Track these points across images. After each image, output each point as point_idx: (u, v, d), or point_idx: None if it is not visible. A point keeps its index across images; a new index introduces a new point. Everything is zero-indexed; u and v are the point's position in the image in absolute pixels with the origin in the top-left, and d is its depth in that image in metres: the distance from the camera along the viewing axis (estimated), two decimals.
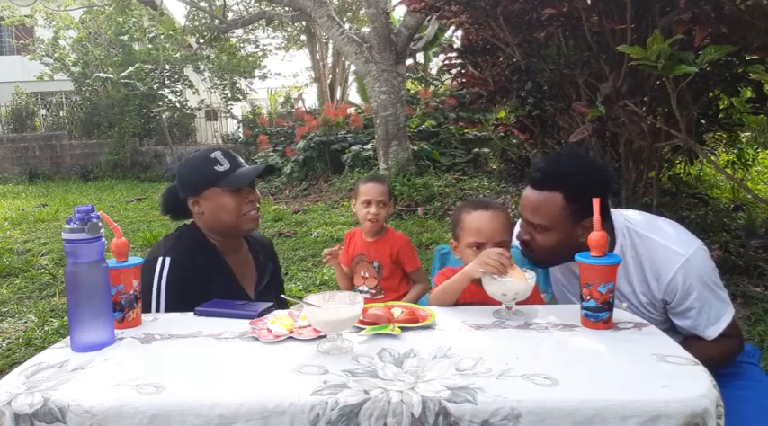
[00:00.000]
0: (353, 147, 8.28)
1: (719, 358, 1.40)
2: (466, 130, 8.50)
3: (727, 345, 1.47)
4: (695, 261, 1.43)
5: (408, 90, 9.40)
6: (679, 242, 1.46)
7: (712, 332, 1.44)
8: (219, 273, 1.63)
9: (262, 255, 1.82)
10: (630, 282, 1.50)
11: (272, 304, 1.38)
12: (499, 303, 1.31)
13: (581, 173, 1.45)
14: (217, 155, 1.66)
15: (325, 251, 2.01)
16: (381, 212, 2.00)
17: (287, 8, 9.32)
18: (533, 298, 1.45)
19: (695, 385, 0.93)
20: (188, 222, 1.72)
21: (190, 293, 1.45)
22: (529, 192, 1.49)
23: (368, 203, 2.01)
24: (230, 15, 14.11)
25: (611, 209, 1.54)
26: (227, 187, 1.62)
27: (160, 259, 1.56)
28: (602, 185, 1.46)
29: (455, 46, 5.04)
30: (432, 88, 10.29)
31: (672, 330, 1.52)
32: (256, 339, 1.17)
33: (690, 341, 1.47)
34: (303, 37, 19.36)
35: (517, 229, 1.62)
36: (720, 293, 1.46)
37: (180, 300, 1.45)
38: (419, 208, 6.11)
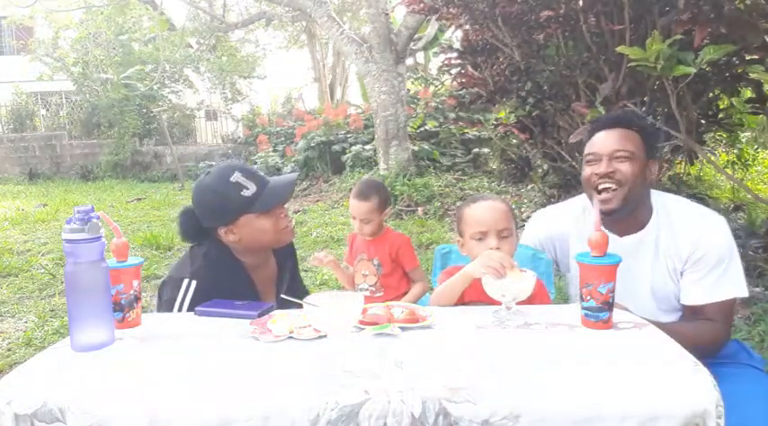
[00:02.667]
0: (354, 147, 8.28)
1: (694, 339, 1.37)
2: (466, 130, 8.50)
3: (709, 330, 1.49)
4: (727, 228, 1.53)
5: (408, 90, 9.40)
6: (712, 211, 1.59)
7: (709, 297, 1.49)
8: (243, 294, 1.56)
9: (282, 256, 1.77)
10: (661, 247, 1.55)
11: (272, 304, 1.38)
12: (500, 303, 1.31)
13: (645, 119, 1.65)
14: (238, 178, 1.55)
15: (318, 255, 2.02)
16: (365, 227, 2.02)
17: (287, 8, 9.33)
18: (540, 297, 1.46)
19: (695, 385, 0.93)
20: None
21: None
22: (607, 132, 1.57)
23: (353, 218, 2.03)
24: (231, 15, 14.11)
25: None
26: (260, 211, 1.56)
27: (186, 281, 1.51)
28: (662, 131, 1.64)
29: (455, 46, 5.04)
30: (432, 88, 10.29)
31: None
32: (256, 339, 1.17)
33: (672, 324, 1.49)
34: (303, 37, 19.38)
35: (569, 205, 1.71)
36: (739, 268, 1.51)
37: None
38: (419, 208, 6.11)
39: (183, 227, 1.64)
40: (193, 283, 1.51)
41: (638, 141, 1.54)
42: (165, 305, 1.51)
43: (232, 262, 1.60)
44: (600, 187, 1.54)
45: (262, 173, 1.64)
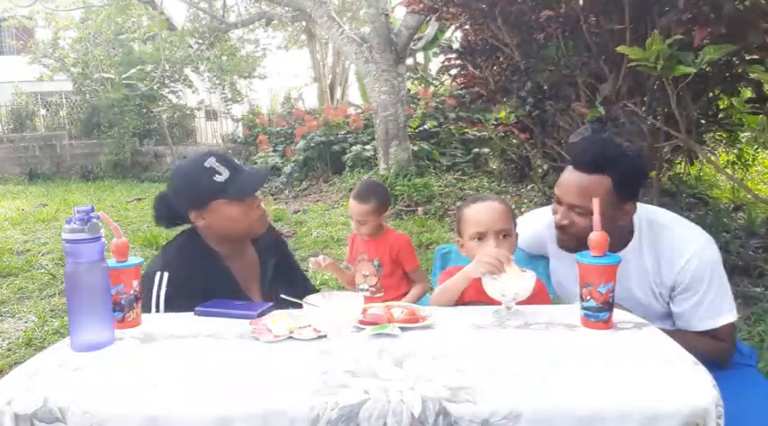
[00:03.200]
0: (354, 147, 8.28)
1: (701, 355, 1.39)
2: (466, 130, 8.50)
3: (714, 346, 1.47)
4: (710, 251, 1.47)
5: (408, 90, 9.39)
6: (695, 230, 1.52)
7: (704, 326, 1.45)
8: (221, 285, 1.56)
9: (262, 245, 1.75)
10: (645, 268, 1.51)
11: (271, 304, 1.38)
12: (500, 303, 1.31)
13: (629, 158, 1.47)
14: (212, 162, 1.56)
15: (316, 259, 2.02)
16: (362, 228, 2.03)
17: (287, 8, 9.33)
18: (540, 297, 1.46)
19: (695, 385, 0.94)
20: (187, 229, 1.65)
21: (191, 308, 1.42)
22: (574, 175, 1.46)
23: (351, 217, 2.05)
24: (231, 15, 14.11)
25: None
26: (232, 198, 1.55)
27: (158, 274, 1.49)
28: (645, 170, 1.50)
29: (455, 46, 5.04)
30: (432, 88, 10.29)
31: (669, 319, 1.54)
32: (256, 339, 1.17)
33: (678, 332, 1.47)
34: (303, 37, 19.37)
35: (546, 218, 1.62)
36: (727, 292, 1.46)
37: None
38: (419, 208, 6.11)
39: (156, 211, 1.65)
40: (165, 274, 1.49)
41: (606, 189, 1.42)
42: (142, 302, 1.49)
43: (206, 252, 1.59)
44: (558, 231, 1.52)
45: (239, 163, 1.65)
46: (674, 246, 1.48)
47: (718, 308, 1.45)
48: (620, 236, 1.51)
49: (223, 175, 1.55)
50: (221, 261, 1.61)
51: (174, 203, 1.62)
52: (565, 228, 1.48)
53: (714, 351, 1.46)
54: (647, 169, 1.47)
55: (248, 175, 1.62)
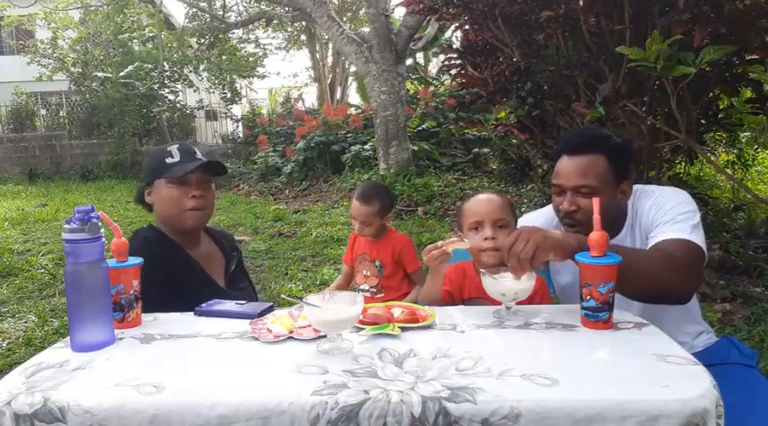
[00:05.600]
0: (353, 147, 8.28)
1: (673, 258, 1.33)
2: (466, 130, 8.50)
3: (682, 245, 1.38)
4: (680, 193, 1.52)
5: (408, 90, 9.40)
6: (674, 188, 1.57)
7: (665, 237, 1.40)
8: (183, 265, 1.63)
9: (226, 244, 1.83)
10: (634, 238, 1.55)
11: (271, 304, 1.38)
12: (500, 303, 1.31)
13: (615, 136, 1.55)
14: (172, 148, 1.67)
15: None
16: (366, 230, 2.03)
17: (287, 8, 9.34)
18: (541, 297, 1.46)
19: (695, 385, 0.93)
20: (146, 225, 1.74)
21: (158, 287, 1.42)
22: (570, 160, 1.51)
23: (353, 218, 2.04)
24: (230, 16, 14.11)
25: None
26: (168, 178, 1.62)
27: None
28: (632, 145, 1.56)
29: (455, 46, 5.04)
30: (432, 88, 10.29)
31: None
32: (256, 339, 1.17)
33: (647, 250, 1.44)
34: (303, 37, 19.37)
35: (546, 217, 1.64)
36: (698, 229, 1.42)
37: (149, 298, 1.40)
38: (419, 208, 6.11)
39: (138, 188, 1.75)
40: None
41: (603, 168, 1.47)
42: None
43: (163, 239, 1.66)
44: (565, 222, 1.53)
45: (199, 154, 1.68)
46: (653, 200, 1.53)
47: (696, 232, 1.40)
48: (618, 219, 1.55)
49: (173, 159, 1.64)
50: (179, 246, 1.67)
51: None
52: (572, 215, 1.50)
53: (683, 248, 1.37)
54: (632, 145, 1.56)
55: (188, 163, 1.63)
